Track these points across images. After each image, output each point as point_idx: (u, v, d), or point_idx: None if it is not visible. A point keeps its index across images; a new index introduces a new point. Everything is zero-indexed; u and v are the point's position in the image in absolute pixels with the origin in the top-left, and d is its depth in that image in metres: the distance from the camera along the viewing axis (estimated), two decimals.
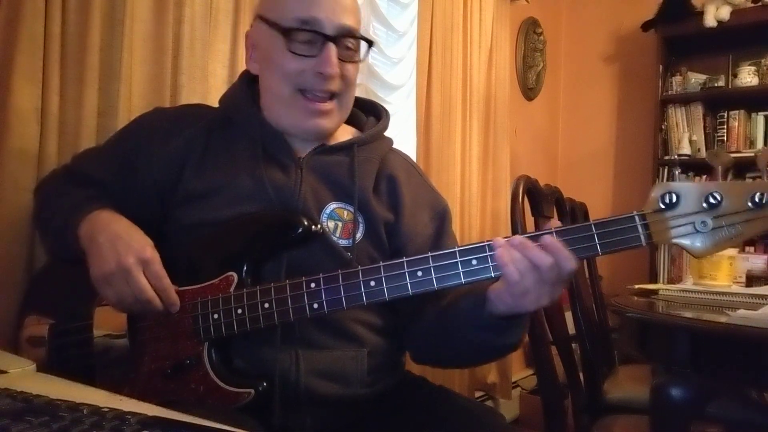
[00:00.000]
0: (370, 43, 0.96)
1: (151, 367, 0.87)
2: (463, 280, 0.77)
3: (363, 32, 0.97)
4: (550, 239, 0.74)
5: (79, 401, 0.52)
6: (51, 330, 0.93)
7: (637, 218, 0.74)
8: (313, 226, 0.87)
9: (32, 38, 1.15)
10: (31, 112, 1.16)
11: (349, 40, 0.93)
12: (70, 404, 0.52)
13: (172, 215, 0.95)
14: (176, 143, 0.96)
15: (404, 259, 0.79)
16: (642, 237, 0.74)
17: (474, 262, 0.77)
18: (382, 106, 1.09)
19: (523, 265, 0.74)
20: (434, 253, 0.79)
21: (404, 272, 0.79)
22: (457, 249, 0.78)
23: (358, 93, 1.06)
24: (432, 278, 0.78)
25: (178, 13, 1.40)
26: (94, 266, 0.85)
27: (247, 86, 1.01)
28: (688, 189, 0.74)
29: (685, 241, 0.74)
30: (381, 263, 0.80)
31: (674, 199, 0.73)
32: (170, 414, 0.55)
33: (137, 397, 0.86)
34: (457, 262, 0.77)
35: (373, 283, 0.79)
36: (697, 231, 0.73)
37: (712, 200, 0.72)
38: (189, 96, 1.41)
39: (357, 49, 0.95)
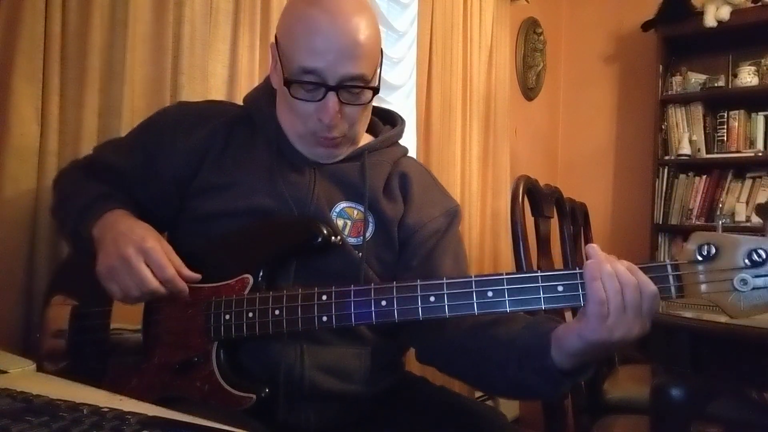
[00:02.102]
0: (376, 91, 0.92)
1: (161, 361, 0.89)
2: (476, 311, 0.75)
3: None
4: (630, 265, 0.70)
5: (79, 401, 0.52)
6: (73, 311, 0.96)
7: (669, 267, 0.70)
8: (333, 237, 0.88)
9: (32, 39, 1.15)
10: (31, 112, 1.16)
11: (354, 84, 0.89)
12: (70, 404, 0.52)
13: (187, 206, 0.97)
14: (198, 136, 0.97)
15: (418, 282, 0.78)
16: (672, 289, 0.70)
17: (490, 294, 0.74)
18: (399, 115, 1.10)
19: (611, 283, 0.68)
20: (449, 280, 0.76)
21: (417, 296, 0.77)
22: (474, 279, 0.76)
23: None
24: (444, 305, 0.76)
25: (178, 13, 1.40)
26: (99, 263, 0.87)
27: (271, 88, 1.01)
28: (730, 242, 0.68)
29: (720, 299, 0.68)
30: (395, 284, 0.79)
31: (713, 251, 0.68)
32: (170, 414, 0.55)
33: (145, 388, 0.88)
34: (472, 291, 0.75)
35: (384, 303, 0.78)
36: (735, 289, 0.67)
37: (756, 257, 0.66)
38: (189, 96, 1.41)
39: (365, 94, 0.91)
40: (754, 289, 0.66)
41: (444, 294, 0.76)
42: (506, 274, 0.74)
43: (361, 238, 0.92)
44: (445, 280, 0.76)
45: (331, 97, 0.87)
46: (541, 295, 0.72)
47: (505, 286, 0.74)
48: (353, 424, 0.93)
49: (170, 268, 0.84)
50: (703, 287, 0.68)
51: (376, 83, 0.91)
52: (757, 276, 0.66)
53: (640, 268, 0.70)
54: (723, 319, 1.13)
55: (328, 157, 0.96)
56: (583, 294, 0.71)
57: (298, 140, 0.95)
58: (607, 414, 1.58)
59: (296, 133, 0.94)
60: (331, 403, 0.90)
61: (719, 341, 1.06)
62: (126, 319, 0.93)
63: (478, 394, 2.61)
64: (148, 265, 0.83)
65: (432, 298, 0.76)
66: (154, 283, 0.83)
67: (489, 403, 2.63)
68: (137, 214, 0.94)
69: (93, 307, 0.94)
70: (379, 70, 0.93)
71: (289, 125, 0.95)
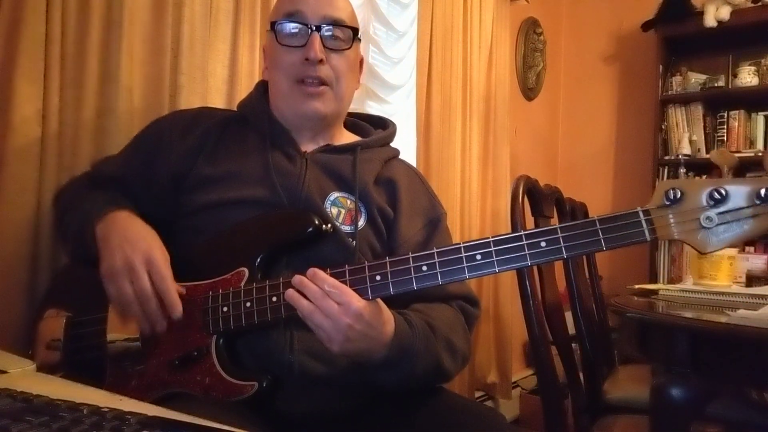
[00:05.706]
0: (356, 32, 1.01)
1: (161, 359, 0.90)
2: (467, 275, 0.78)
3: (362, 31, 0.99)
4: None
5: (79, 401, 0.52)
6: (67, 321, 0.97)
7: (641, 214, 0.74)
8: (324, 226, 0.91)
9: (34, 39, 1.15)
10: (32, 113, 1.16)
11: (336, 30, 1.00)
12: (70, 404, 0.52)
13: (182, 201, 1.00)
14: (193, 136, 1.03)
15: (410, 254, 0.81)
16: (646, 232, 0.74)
17: (478, 257, 0.78)
18: (390, 121, 1.16)
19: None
20: (440, 249, 0.80)
21: (410, 267, 0.80)
22: (462, 245, 0.79)
23: (359, 93, 1.08)
24: (437, 272, 0.79)
25: (177, 13, 1.40)
26: (103, 262, 0.89)
27: (263, 93, 1.09)
28: (693, 185, 0.73)
29: (690, 237, 0.73)
30: (387, 258, 0.81)
31: (678, 195, 0.73)
32: (170, 414, 0.55)
33: (145, 388, 0.88)
34: (462, 257, 0.78)
35: (378, 278, 0.80)
36: (702, 227, 0.72)
37: (717, 196, 0.71)
38: (189, 96, 1.41)
39: (346, 40, 1.01)
40: (718, 224, 0.72)
41: (435, 262, 0.79)
42: (492, 237, 0.78)
43: (354, 226, 0.96)
44: (435, 249, 0.80)
45: (315, 37, 0.97)
46: (527, 252, 0.76)
47: (492, 248, 0.77)
48: (348, 421, 0.93)
49: (169, 280, 0.87)
50: (674, 228, 0.74)
51: (357, 30, 1.02)
52: (720, 213, 0.72)
53: (614, 216, 0.75)
54: (723, 319, 1.13)
55: (314, 111, 1.01)
56: (565, 246, 0.75)
57: (286, 102, 1.02)
58: (607, 414, 1.58)
59: (283, 93, 1.02)
60: (322, 392, 0.90)
61: (719, 341, 1.06)
62: (123, 329, 0.93)
63: (478, 394, 2.62)
64: (150, 275, 0.86)
65: (424, 268, 0.79)
66: (149, 292, 0.86)
67: (489, 403, 2.64)
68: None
69: (88, 314, 0.95)
70: (358, 36, 1.04)
71: (277, 90, 1.03)
